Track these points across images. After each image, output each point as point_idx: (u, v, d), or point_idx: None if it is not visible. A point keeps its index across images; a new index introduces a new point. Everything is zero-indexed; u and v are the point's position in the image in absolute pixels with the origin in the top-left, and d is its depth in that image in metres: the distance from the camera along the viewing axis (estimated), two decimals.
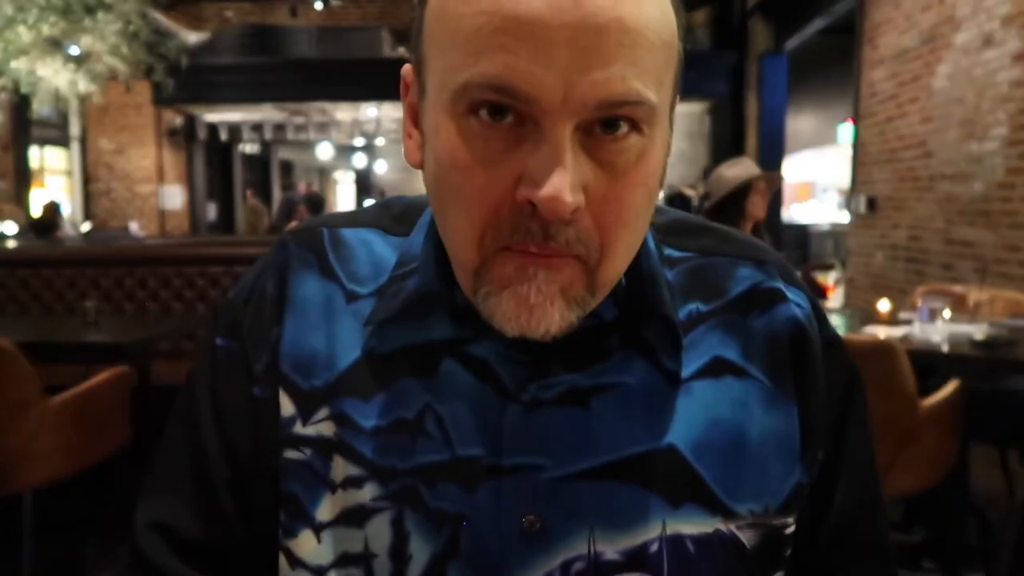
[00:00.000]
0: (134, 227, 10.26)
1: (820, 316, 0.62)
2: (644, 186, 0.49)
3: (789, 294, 0.61)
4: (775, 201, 9.31)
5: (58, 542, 2.72)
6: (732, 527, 0.56)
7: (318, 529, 0.57)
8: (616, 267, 0.51)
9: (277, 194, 15.59)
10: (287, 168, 18.15)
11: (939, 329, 2.49)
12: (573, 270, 0.49)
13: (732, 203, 2.90)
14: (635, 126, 0.48)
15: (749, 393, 0.58)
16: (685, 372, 0.57)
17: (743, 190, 2.89)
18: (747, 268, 0.61)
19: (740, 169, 2.94)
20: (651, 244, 0.59)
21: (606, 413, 0.55)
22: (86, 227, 9.96)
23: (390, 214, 0.64)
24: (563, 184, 0.45)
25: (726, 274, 0.61)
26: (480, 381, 0.56)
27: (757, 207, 2.92)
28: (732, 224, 2.89)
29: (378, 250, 0.62)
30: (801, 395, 0.59)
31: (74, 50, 6.77)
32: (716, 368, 0.58)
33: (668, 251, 0.61)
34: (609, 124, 0.47)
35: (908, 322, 2.73)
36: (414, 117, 0.55)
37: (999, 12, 4.10)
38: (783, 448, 0.58)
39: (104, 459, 2.54)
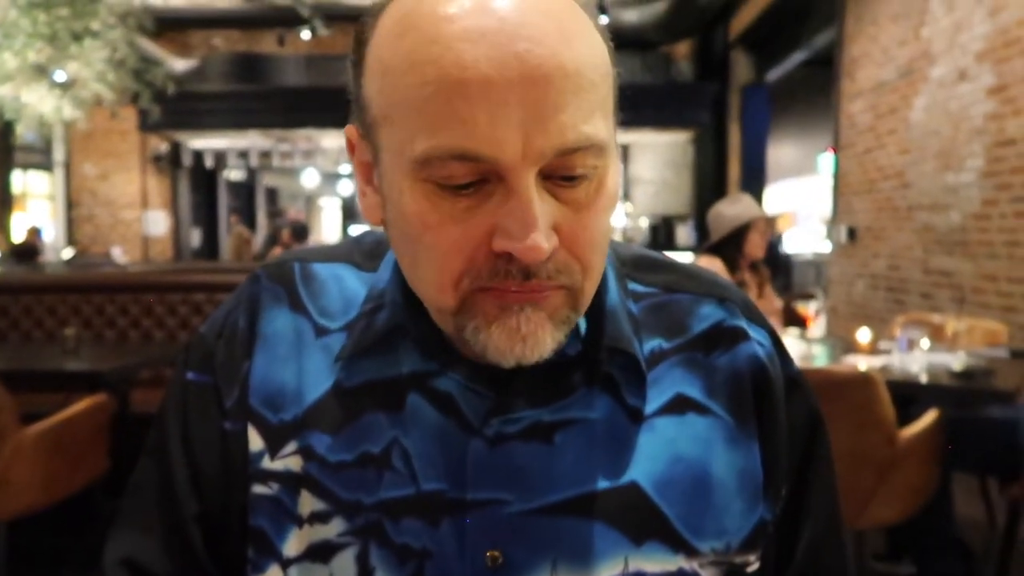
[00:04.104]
0: (116, 253, 10.19)
1: (783, 354, 0.63)
2: (606, 210, 0.51)
3: (752, 332, 0.62)
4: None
5: (33, 574, 2.67)
6: (695, 565, 0.56)
7: (285, 565, 0.57)
8: (594, 283, 0.53)
9: (262, 220, 15.53)
10: (272, 195, 18.13)
11: (918, 359, 2.52)
12: (559, 297, 0.50)
13: (731, 243, 2.92)
14: (592, 169, 0.49)
15: (712, 430, 0.58)
16: (648, 409, 0.57)
17: (742, 230, 2.91)
18: (710, 306, 0.62)
19: (740, 208, 2.94)
20: (611, 280, 0.60)
21: (569, 448, 0.56)
22: (68, 253, 9.89)
23: (361, 249, 0.65)
24: (536, 232, 0.46)
25: (689, 311, 0.61)
26: (444, 415, 0.56)
27: (755, 246, 2.93)
28: (731, 263, 2.92)
29: (349, 285, 0.62)
30: (763, 433, 0.59)
31: (60, 76, 6.77)
32: (679, 405, 0.58)
33: (632, 285, 0.62)
34: (568, 178, 0.49)
35: (888, 352, 2.76)
36: (366, 175, 0.55)
37: (973, 48, 4.20)
38: (745, 485, 0.58)
39: (82, 489, 2.51)
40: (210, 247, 13.04)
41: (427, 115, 0.46)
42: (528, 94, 0.45)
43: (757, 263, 2.99)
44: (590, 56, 0.49)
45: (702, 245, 3.17)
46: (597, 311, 0.57)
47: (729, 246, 2.92)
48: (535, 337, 0.50)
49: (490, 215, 0.48)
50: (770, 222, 3.04)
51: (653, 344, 0.60)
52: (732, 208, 2.96)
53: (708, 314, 0.61)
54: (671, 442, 0.57)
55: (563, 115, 0.46)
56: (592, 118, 0.48)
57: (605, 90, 0.50)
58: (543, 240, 0.46)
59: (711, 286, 0.64)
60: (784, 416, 0.60)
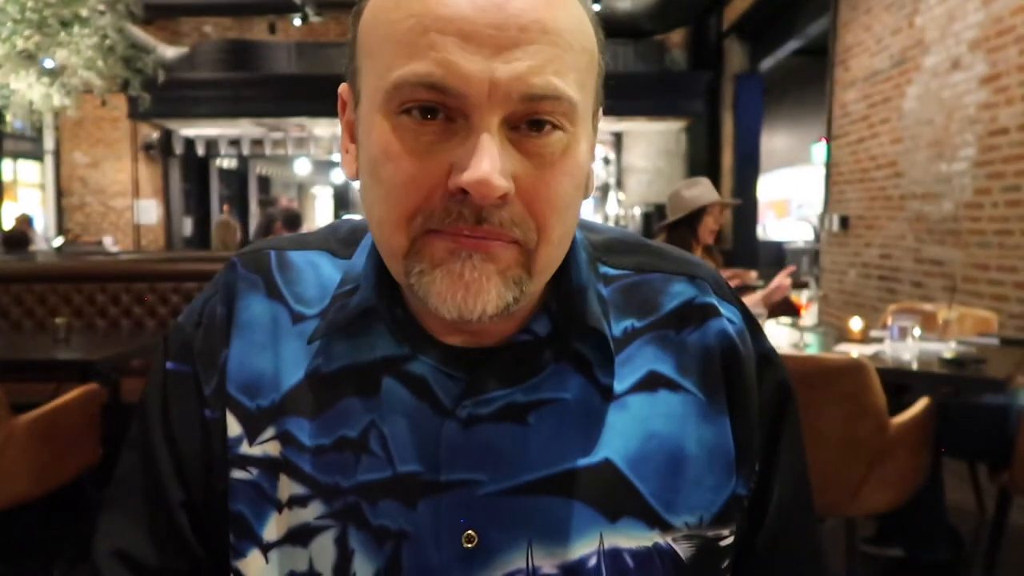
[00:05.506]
0: (108, 241, 10.14)
1: (754, 330, 0.64)
2: (571, 176, 0.51)
3: (722, 309, 0.62)
4: (750, 219, 9.43)
5: (24, 564, 2.67)
6: (669, 540, 0.57)
7: (266, 549, 0.57)
8: (552, 253, 0.53)
9: (254, 209, 15.50)
10: (264, 183, 18.07)
11: (909, 347, 2.53)
12: (511, 253, 0.51)
13: (686, 224, 2.96)
14: (558, 124, 0.50)
15: (684, 407, 0.59)
16: (621, 387, 0.58)
17: (698, 213, 2.94)
18: (681, 284, 0.63)
19: (697, 191, 2.99)
20: (581, 258, 0.60)
21: (543, 428, 0.56)
22: (58, 241, 9.84)
23: (337, 237, 0.65)
24: (492, 168, 0.47)
25: (660, 289, 0.62)
26: (418, 399, 0.57)
27: (707, 231, 2.98)
28: (683, 245, 2.95)
29: (325, 272, 0.63)
30: (733, 408, 0.60)
31: (49, 63, 6.70)
32: (651, 382, 0.59)
33: (604, 269, 0.63)
34: (534, 124, 0.49)
35: (880, 340, 2.77)
36: (351, 133, 0.57)
37: (966, 36, 4.20)
38: (717, 460, 0.59)
39: (73, 479, 2.51)
40: (202, 236, 12.99)
41: (404, 45, 0.48)
42: (502, 36, 0.47)
43: (712, 247, 3.04)
44: (573, 25, 0.50)
45: (657, 224, 3.23)
46: (567, 290, 0.58)
47: (683, 227, 2.96)
48: (479, 285, 0.49)
49: (450, 154, 0.49)
50: (725, 208, 3.07)
51: (626, 324, 0.60)
52: (690, 191, 3.00)
53: (679, 292, 0.62)
54: (644, 419, 0.58)
55: (533, 61, 0.48)
56: (564, 75, 0.49)
57: (585, 64, 0.52)
58: (497, 177, 0.47)
59: (683, 264, 0.64)
60: (756, 392, 0.61)
